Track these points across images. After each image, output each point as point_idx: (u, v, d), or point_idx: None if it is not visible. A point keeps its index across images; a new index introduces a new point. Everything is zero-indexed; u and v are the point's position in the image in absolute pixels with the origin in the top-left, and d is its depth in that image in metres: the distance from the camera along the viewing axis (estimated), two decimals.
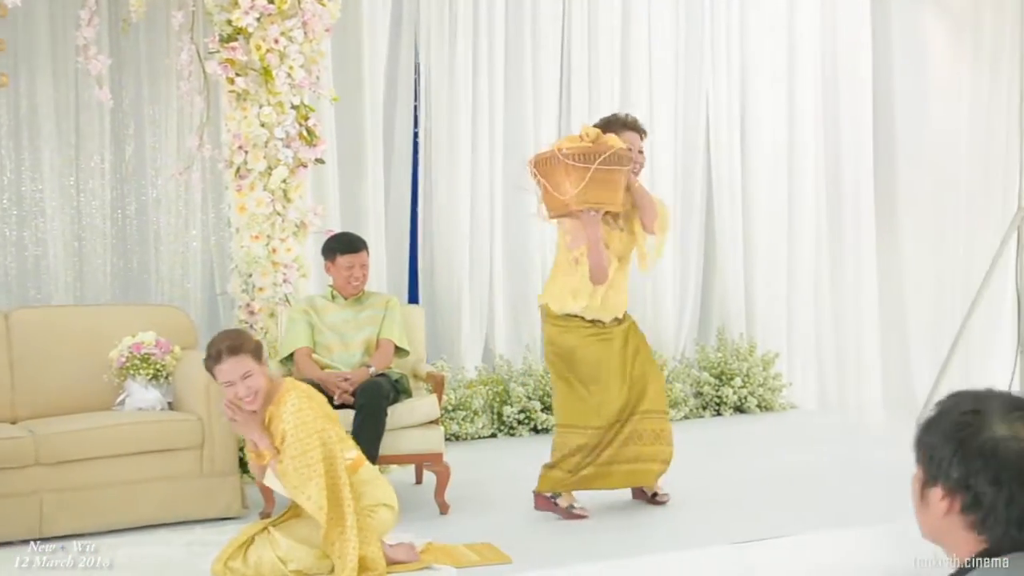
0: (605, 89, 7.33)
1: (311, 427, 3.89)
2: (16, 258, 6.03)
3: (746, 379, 7.46)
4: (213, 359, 3.94)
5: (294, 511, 4.09)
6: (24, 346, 5.15)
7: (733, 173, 7.72)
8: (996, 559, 1.72)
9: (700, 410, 7.41)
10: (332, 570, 3.94)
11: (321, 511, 3.83)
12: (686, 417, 7.28)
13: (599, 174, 4.52)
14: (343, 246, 5.22)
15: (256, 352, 3.97)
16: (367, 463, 4.17)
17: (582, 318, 4.77)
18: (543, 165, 4.64)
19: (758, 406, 7.50)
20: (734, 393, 7.39)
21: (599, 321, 4.80)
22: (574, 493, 4.86)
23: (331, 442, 3.93)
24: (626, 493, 5.11)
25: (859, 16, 8.07)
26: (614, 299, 4.82)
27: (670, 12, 7.53)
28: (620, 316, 4.88)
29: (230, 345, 3.93)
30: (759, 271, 7.83)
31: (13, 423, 4.97)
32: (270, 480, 4.02)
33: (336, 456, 3.91)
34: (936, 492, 1.76)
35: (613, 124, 4.81)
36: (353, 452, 4.07)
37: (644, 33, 7.45)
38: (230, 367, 3.90)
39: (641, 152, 4.86)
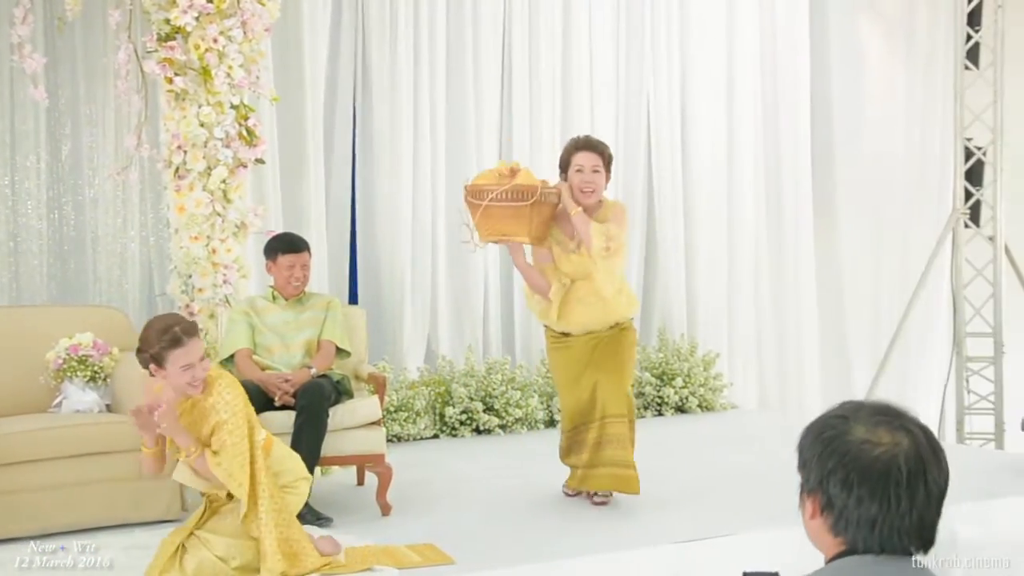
0: (546, 90, 7.36)
1: (242, 413, 3.86)
2: None
3: (687, 379, 7.52)
4: (170, 343, 3.76)
5: (211, 509, 4.04)
6: None
7: (674, 175, 7.79)
8: (832, 563, 1.75)
9: (642, 410, 7.45)
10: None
11: (247, 495, 3.82)
12: None
13: (499, 210, 4.76)
14: (285, 246, 5.19)
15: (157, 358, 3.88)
16: (277, 440, 4.13)
17: (552, 329, 5.06)
18: (469, 196, 4.92)
19: (699, 406, 7.56)
20: (675, 393, 7.45)
21: (568, 334, 5.00)
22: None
23: (253, 424, 3.91)
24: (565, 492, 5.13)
25: (797, 20, 8.18)
26: (581, 314, 4.92)
27: (611, 15, 7.59)
28: (594, 329, 4.94)
29: (186, 327, 3.81)
30: (700, 272, 7.90)
31: None
32: (181, 475, 3.95)
33: (256, 440, 3.90)
34: (805, 497, 1.81)
35: (568, 146, 5.00)
36: (263, 432, 4.00)
37: (585, 36, 7.50)
38: (192, 348, 3.79)
39: (597, 171, 4.87)
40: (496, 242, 4.99)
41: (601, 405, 4.90)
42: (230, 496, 3.94)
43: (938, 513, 1.75)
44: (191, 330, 3.83)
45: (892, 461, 1.71)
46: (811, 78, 8.24)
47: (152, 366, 3.84)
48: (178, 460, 3.97)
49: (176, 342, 3.77)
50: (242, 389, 4.00)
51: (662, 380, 7.50)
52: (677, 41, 7.79)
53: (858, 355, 8.50)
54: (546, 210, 4.87)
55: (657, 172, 7.76)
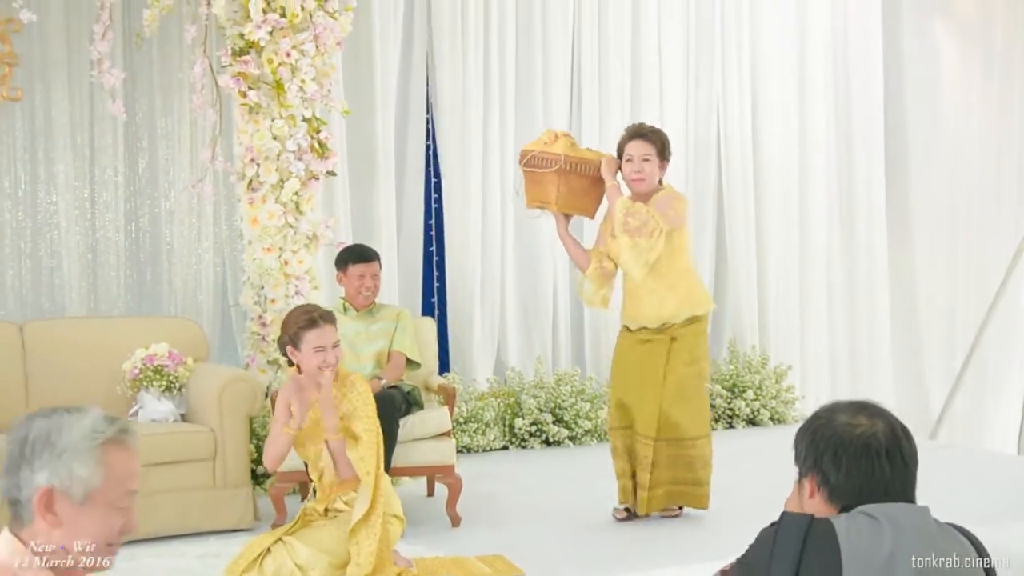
0: (615, 98, 7.35)
1: (373, 411, 3.99)
2: (31, 270, 6.06)
3: (758, 392, 7.44)
4: (307, 323, 3.94)
5: (303, 521, 4.09)
6: (38, 358, 5.17)
7: (745, 184, 7.72)
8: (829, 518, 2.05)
9: (713, 423, 7.37)
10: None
11: (371, 490, 3.87)
12: None
13: (529, 175, 4.93)
14: (355, 256, 5.23)
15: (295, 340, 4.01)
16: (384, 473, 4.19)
17: (626, 327, 5.02)
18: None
19: (771, 419, 7.48)
20: (747, 406, 7.38)
21: (644, 328, 4.94)
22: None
23: (380, 436, 4.01)
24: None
25: (870, 26, 8.07)
26: (634, 307, 4.91)
27: (680, 25, 7.54)
28: (657, 325, 4.88)
29: (323, 313, 4.01)
30: (771, 283, 7.82)
31: None
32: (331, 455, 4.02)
33: (381, 448, 3.99)
34: (803, 481, 2.11)
35: (623, 135, 5.00)
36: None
37: (654, 43, 7.47)
38: (326, 332, 3.96)
39: (647, 159, 4.86)
40: (535, 208, 5.02)
41: (639, 423, 4.90)
42: (326, 511, 4.01)
43: (914, 479, 2.07)
44: (328, 317, 4.02)
45: (872, 437, 2.05)
46: (884, 82, 8.11)
47: (289, 348, 3.98)
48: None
49: (312, 323, 3.94)
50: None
51: (733, 392, 7.43)
52: (747, 45, 7.72)
53: (933, 369, 8.35)
54: (579, 181, 4.91)
55: (727, 181, 7.69)
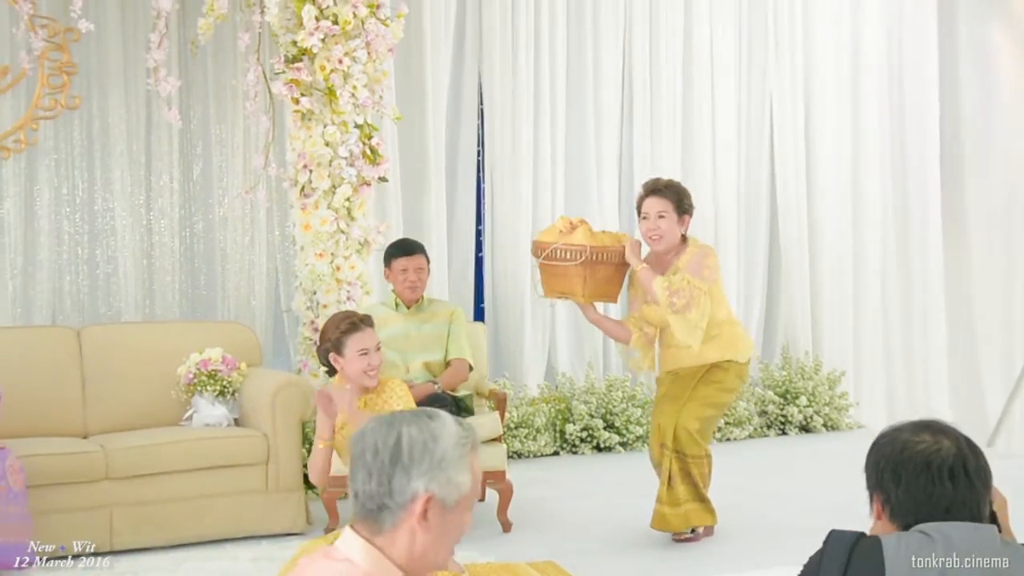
0: (667, 103, 7.32)
1: None
2: (88, 276, 6.14)
3: (811, 398, 7.37)
4: (349, 328, 3.94)
5: None
6: (95, 362, 5.24)
7: (798, 189, 7.66)
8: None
9: (765, 429, 7.34)
10: None
11: None
12: (750, 436, 7.22)
13: (550, 268, 4.78)
14: (398, 250, 5.24)
15: (338, 346, 4.00)
16: None
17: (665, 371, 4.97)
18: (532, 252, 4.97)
19: (824, 425, 7.41)
20: (799, 412, 7.31)
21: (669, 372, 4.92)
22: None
23: None
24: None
25: (925, 29, 7.97)
26: (674, 360, 4.83)
27: (732, 26, 7.51)
28: (684, 367, 4.82)
29: (363, 317, 4.02)
30: (824, 288, 7.75)
31: (84, 437, 5.06)
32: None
33: None
34: (872, 502, 2.08)
35: (640, 192, 4.89)
36: None
37: (706, 47, 7.44)
38: (368, 335, 3.95)
39: (663, 216, 4.71)
40: (557, 298, 4.90)
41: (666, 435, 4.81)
42: None
43: (983, 498, 2.00)
44: (367, 320, 4.02)
45: (934, 454, 2.00)
46: (939, 90, 8.01)
47: (332, 355, 3.97)
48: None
49: (354, 327, 3.95)
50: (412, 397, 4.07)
51: (785, 398, 7.37)
52: (800, 47, 7.66)
53: (990, 374, 8.21)
54: (604, 269, 4.75)
55: (780, 186, 7.64)
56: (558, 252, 4.71)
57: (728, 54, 7.49)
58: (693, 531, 4.85)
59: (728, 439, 7.11)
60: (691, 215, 4.80)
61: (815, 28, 7.70)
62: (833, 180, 7.75)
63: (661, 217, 4.72)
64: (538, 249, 4.82)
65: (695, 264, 4.68)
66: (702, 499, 4.78)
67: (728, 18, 7.49)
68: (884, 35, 7.87)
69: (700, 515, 4.78)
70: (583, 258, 4.67)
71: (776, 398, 7.34)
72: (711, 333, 4.72)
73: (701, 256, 4.72)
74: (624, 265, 4.78)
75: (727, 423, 7.11)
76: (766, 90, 7.60)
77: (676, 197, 4.74)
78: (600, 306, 5.04)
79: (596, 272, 4.74)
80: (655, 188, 4.78)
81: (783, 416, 7.35)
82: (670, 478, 4.73)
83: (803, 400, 7.33)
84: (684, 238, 4.80)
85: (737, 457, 6.46)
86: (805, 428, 7.39)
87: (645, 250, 4.84)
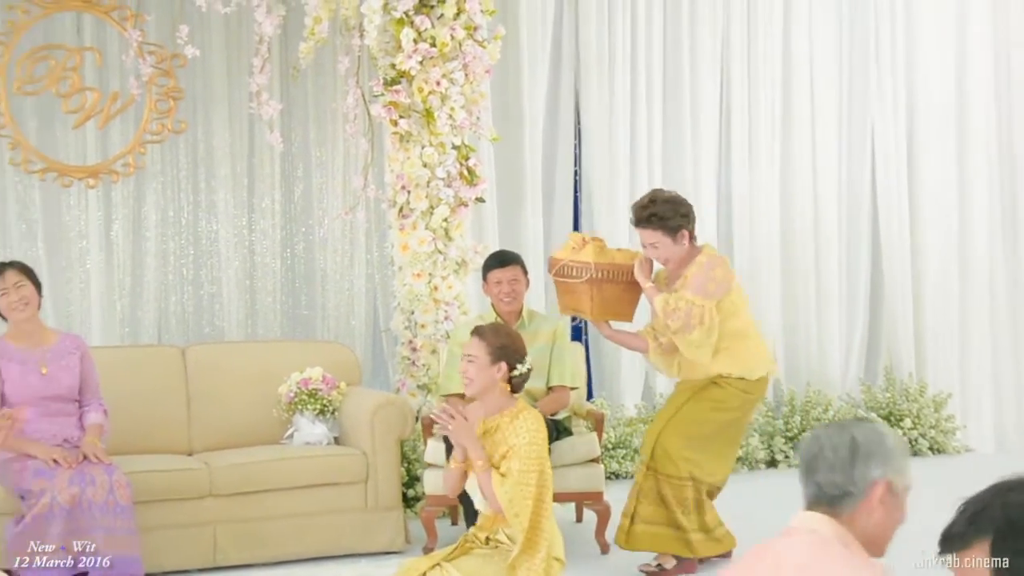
0: (765, 121, 7.24)
1: (539, 452, 3.80)
2: (192, 296, 6.28)
3: (916, 420, 7.20)
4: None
5: (463, 548, 4.01)
6: (199, 381, 5.34)
7: (901, 208, 7.49)
8: None
9: None
10: None
11: (523, 532, 3.73)
12: None
13: (560, 285, 4.76)
14: (494, 261, 5.17)
15: (493, 351, 3.84)
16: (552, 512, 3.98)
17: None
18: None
19: (930, 449, 7.23)
20: (904, 434, 7.14)
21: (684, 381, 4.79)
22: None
23: (547, 474, 3.83)
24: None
25: None
26: (687, 366, 4.68)
27: (833, 44, 7.39)
28: (695, 379, 4.69)
29: (474, 327, 3.95)
30: (929, 308, 7.56)
31: (189, 455, 5.15)
32: (472, 488, 3.90)
33: (547, 489, 3.82)
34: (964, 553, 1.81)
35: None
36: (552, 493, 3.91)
37: (806, 66, 7.33)
38: (475, 343, 3.84)
39: (655, 247, 4.58)
40: (571, 315, 4.81)
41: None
42: (487, 540, 3.87)
43: None
44: (481, 332, 3.92)
45: None
46: None
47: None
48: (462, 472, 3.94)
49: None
50: (546, 433, 3.89)
51: (890, 421, 7.21)
52: (903, 73, 7.49)
53: None
54: (612, 287, 4.65)
55: (884, 206, 7.48)
56: (566, 269, 4.69)
57: (829, 77, 7.36)
58: (659, 566, 4.66)
59: None
60: (688, 226, 4.58)
61: (918, 51, 7.53)
62: (937, 199, 7.55)
63: (655, 247, 4.59)
64: (551, 265, 4.83)
65: (700, 279, 4.51)
66: (677, 526, 4.56)
67: (829, 41, 7.37)
68: (992, 58, 7.64)
69: (669, 542, 4.58)
70: (588, 275, 4.61)
71: (880, 420, 7.19)
72: (719, 346, 4.55)
73: (708, 269, 4.54)
74: (637, 283, 4.66)
75: None
76: (867, 114, 7.45)
77: (661, 222, 4.54)
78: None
79: (603, 290, 4.66)
80: (638, 219, 4.61)
81: None
82: (639, 494, 4.59)
83: (907, 422, 7.16)
84: (693, 244, 4.63)
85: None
86: (911, 451, 7.23)
87: (659, 266, 4.73)
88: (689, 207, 4.64)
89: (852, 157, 7.48)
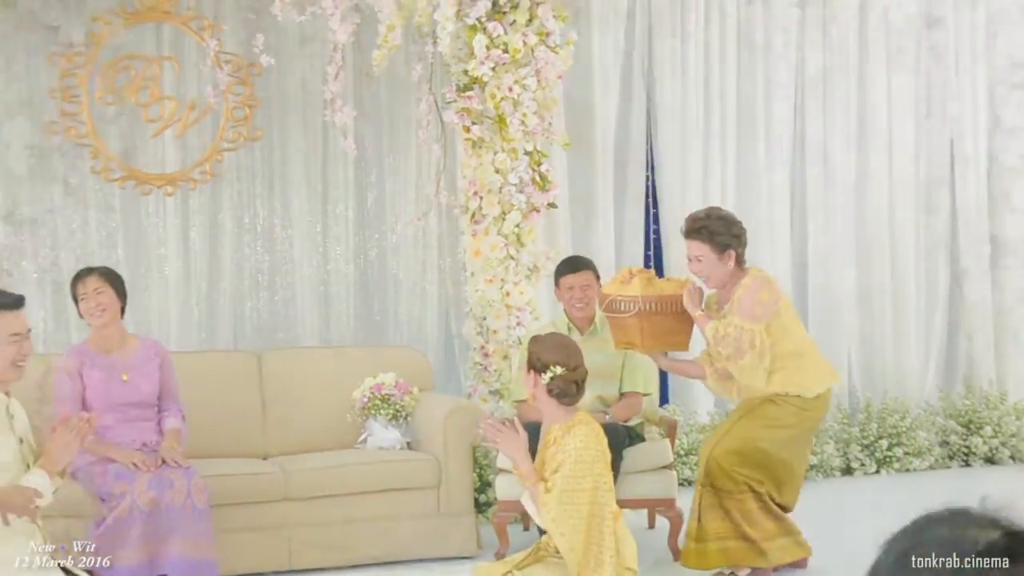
0: (840, 130, 7.14)
1: (588, 467, 3.75)
2: (268, 301, 6.35)
3: (997, 428, 7.06)
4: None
5: (536, 555, 4.00)
6: (274, 386, 5.41)
7: (980, 215, 7.35)
8: None
9: (947, 460, 7.06)
10: None
11: (572, 552, 3.68)
12: (931, 467, 6.95)
13: (613, 319, 4.67)
14: (566, 267, 5.16)
15: (534, 363, 3.84)
16: (622, 518, 3.96)
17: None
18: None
19: (1011, 457, 7.08)
20: (984, 443, 7.01)
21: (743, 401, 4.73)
22: None
23: (602, 489, 3.78)
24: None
25: None
26: (747, 391, 4.61)
27: (911, 60, 7.25)
28: (759, 398, 4.61)
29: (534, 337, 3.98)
30: (1009, 312, 7.40)
31: (264, 459, 5.21)
32: (526, 502, 3.90)
33: (603, 503, 3.77)
34: None
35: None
36: (614, 504, 3.88)
37: (883, 76, 7.20)
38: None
39: (700, 259, 4.52)
40: (625, 348, 4.75)
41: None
42: (558, 550, 3.80)
43: None
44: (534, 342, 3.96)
45: None
46: None
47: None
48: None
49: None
50: (603, 448, 3.84)
51: (969, 429, 7.07)
52: (983, 86, 7.34)
53: None
54: (663, 319, 4.57)
55: (963, 216, 7.33)
56: (614, 303, 4.60)
57: (905, 91, 7.23)
58: (732, 574, 4.61)
59: (907, 470, 6.86)
60: (737, 248, 4.53)
61: (997, 70, 7.38)
62: (1019, 206, 7.39)
63: (699, 260, 4.54)
64: (600, 300, 4.77)
65: (747, 303, 4.44)
66: (745, 537, 4.51)
67: (907, 57, 7.25)
68: None
69: (743, 554, 4.53)
70: (636, 309, 4.52)
71: (959, 428, 7.06)
72: (774, 367, 4.47)
73: (755, 291, 4.46)
74: (678, 314, 4.58)
75: (906, 453, 6.85)
76: (946, 118, 7.31)
77: (710, 236, 4.50)
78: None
79: (653, 322, 4.57)
80: (688, 229, 4.58)
81: (966, 447, 7.05)
82: (700, 513, 4.54)
83: (988, 431, 7.02)
84: (740, 265, 4.56)
85: (914, 488, 6.28)
86: (990, 460, 7.08)
87: (708, 290, 4.66)
88: (743, 229, 4.59)
89: (932, 163, 7.34)
